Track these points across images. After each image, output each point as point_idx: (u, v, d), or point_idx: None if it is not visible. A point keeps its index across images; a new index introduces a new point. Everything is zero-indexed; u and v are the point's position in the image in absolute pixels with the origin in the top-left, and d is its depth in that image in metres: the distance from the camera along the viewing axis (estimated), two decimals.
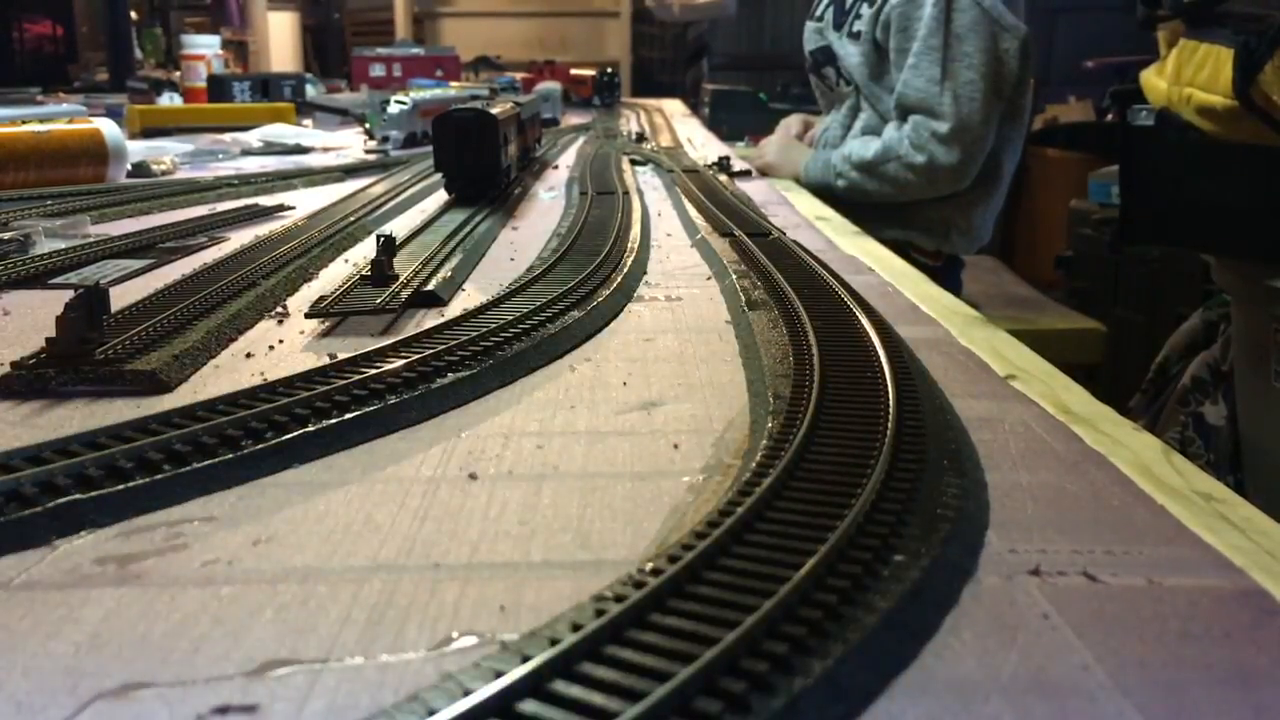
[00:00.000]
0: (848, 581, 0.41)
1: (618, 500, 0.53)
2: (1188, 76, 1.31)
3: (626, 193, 1.50)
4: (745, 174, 1.96)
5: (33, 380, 0.67)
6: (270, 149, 2.24)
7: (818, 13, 2.18)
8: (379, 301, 0.85)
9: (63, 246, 1.10)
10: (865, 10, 2.03)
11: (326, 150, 2.26)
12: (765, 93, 5.05)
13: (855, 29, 2.05)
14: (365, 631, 0.40)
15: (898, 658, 0.38)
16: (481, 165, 1.40)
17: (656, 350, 0.80)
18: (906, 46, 1.94)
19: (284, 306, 0.91)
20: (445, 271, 1.00)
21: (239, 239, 1.19)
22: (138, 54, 5.33)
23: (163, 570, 0.45)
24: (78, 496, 0.49)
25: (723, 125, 4.14)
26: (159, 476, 0.52)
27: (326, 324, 0.84)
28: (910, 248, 2.02)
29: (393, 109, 2.21)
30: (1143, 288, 2.61)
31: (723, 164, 1.91)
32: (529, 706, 0.33)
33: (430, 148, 1.48)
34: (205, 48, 3.42)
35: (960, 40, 1.89)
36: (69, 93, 3.95)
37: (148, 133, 2.46)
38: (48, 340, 0.70)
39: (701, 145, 2.55)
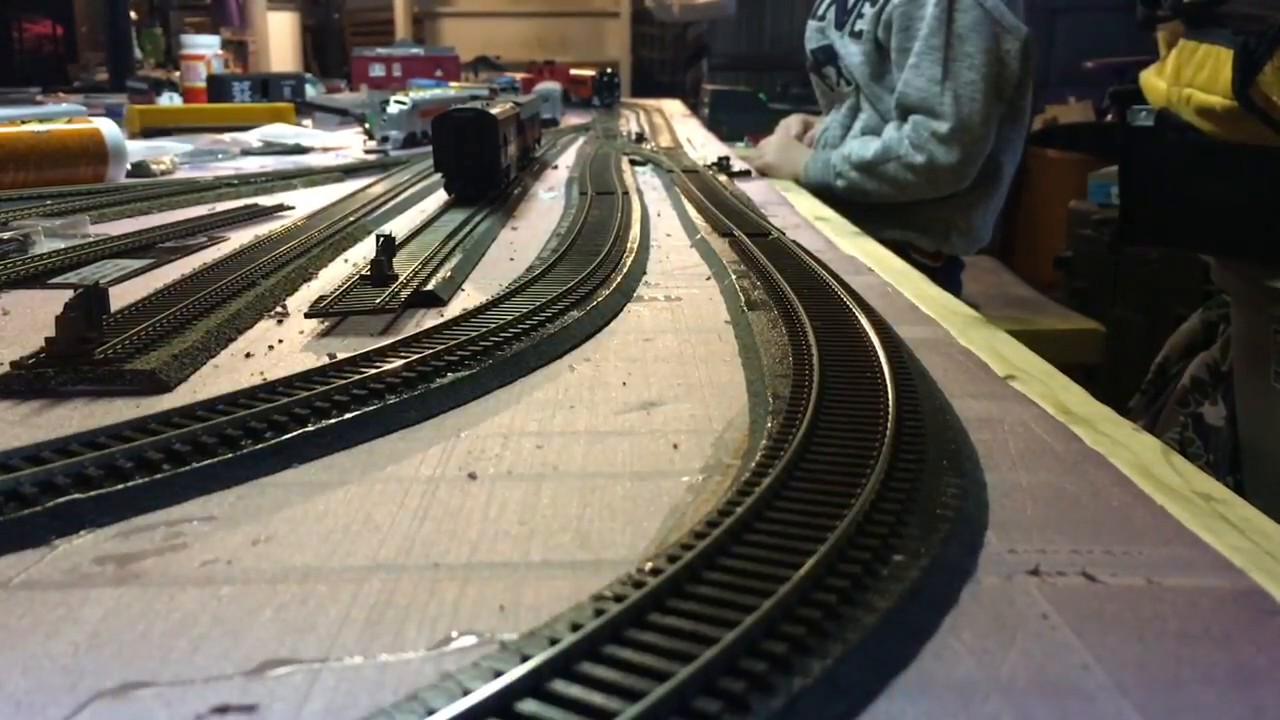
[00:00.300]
0: (847, 581, 0.41)
1: (617, 500, 0.53)
2: (1187, 77, 1.31)
3: (626, 193, 1.49)
4: (745, 174, 1.96)
5: (32, 380, 0.67)
6: (270, 149, 2.24)
7: (820, 12, 2.18)
8: (379, 301, 0.85)
9: (62, 246, 1.10)
10: (867, 9, 2.03)
11: (326, 150, 2.25)
12: (765, 93, 5.05)
13: (857, 28, 2.05)
14: (364, 631, 0.40)
15: (897, 658, 0.38)
16: (481, 165, 1.40)
17: (656, 350, 0.80)
18: (908, 46, 1.94)
19: (284, 306, 0.91)
20: (445, 271, 1.00)
21: (239, 239, 1.19)
22: (137, 54, 5.32)
23: (162, 570, 0.45)
24: (77, 496, 0.49)
25: (722, 125, 4.14)
26: (158, 476, 0.52)
27: (326, 324, 0.84)
28: (910, 248, 2.03)
29: (392, 109, 2.21)
30: (1142, 288, 2.61)
31: (722, 164, 1.91)
32: (528, 706, 0.33)
33: (430, 148, 1.48)
34: (205, 48, 3.42)
35: (962, 40, 1.89)
36: (69, 93, 3.95)
37: (147, 133, 2.46)
38: (47, 340, 0.70)
39: (701, 145, 2.55)
